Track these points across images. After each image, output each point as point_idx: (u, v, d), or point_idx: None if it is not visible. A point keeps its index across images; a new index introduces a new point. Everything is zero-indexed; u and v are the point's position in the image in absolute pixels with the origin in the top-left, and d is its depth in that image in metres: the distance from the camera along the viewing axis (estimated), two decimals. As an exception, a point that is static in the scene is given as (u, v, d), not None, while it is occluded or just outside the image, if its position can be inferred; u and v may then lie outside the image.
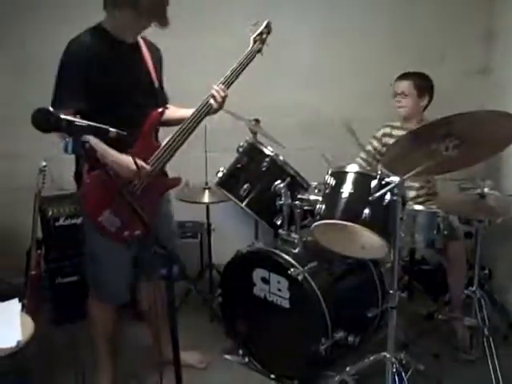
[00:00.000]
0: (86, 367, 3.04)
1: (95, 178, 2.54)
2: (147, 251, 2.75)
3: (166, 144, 2.64)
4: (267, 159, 2.99)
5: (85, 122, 1.65)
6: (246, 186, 2.98)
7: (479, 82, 4.06)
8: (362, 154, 3.63)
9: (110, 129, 1.72)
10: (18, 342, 2.26)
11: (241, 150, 3.10)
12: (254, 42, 2.92)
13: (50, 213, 3.61)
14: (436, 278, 3.68)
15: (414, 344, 3.06)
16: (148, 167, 2.59)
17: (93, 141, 2.42)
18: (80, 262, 3.60)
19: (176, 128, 2.67)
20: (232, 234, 4.02)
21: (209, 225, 3.75)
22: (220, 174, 3.11)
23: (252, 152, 3.06)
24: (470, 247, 3.38)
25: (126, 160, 2.50)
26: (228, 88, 2.74)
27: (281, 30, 3.86)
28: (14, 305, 2.51)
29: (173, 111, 2.84)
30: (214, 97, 2.69)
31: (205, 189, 3.59)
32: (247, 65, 2.83)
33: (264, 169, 2.99)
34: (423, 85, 3.49)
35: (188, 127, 2.66)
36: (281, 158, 3.02)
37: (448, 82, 3.60)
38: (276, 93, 3.98)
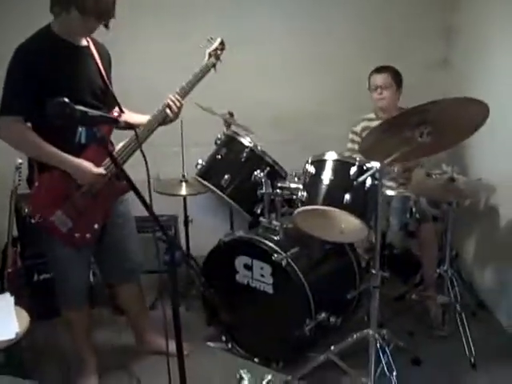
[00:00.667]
0: (68, 360, 3.08)
1: (46, 179, 2.58)
2: (105, 253, 2.85)
3: (120, 149, 2.63)
4: (246, 150, 3.08)
5: (97, 113, 1.70)
6: (226, 177, 3.07)
7: (440, 75, 4.25)
8: (347, 154, 3.69)
9: (120, 119, 1.77)
10: (17, 334, 2.30)
11: (219, 141, 3.18)
12: (209, 56, 3.00)
13: (26, 210, 3.59)
14: (404, 261, 3.85)
15: (390, 323, 3.21)
16: (103, 172, 2.59)
17: (46, 148, 2.45)
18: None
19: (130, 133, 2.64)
20: (206, 225, 4.08)
21: (186, 216, 3.80)
22: (199, 166, 3.19)
23: (231, 143, 3.15)
24: (439, 230, 3.57)
25: (83, 165, 2.52)
26: (183, 98, 2.79)
27: (254, 27, 4.00)
28: (7, 298, 2.54)
29: (128, 116, 2.83)
30: (169, 106, 2.73)
31: (181, 181, 3.64)
32: (202, 77, 2.89)
33: (243, 159, 3.08)
34: (398, 77, 3.63)
35: (142, 134, 2.66)
36: (259, 148, 3.11)
37: (411, 74, 3.74)
38: (249, 88, 4.07)
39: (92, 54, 2.67)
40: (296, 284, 2.85)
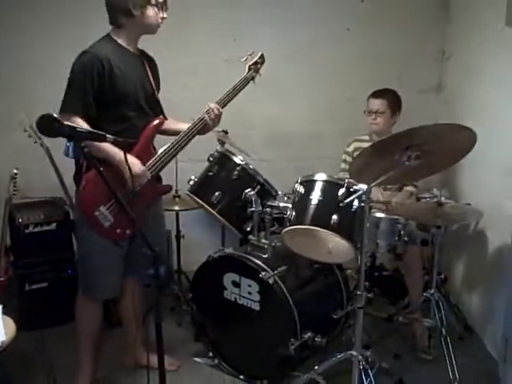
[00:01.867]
0: (56, 372, 3.09)
1: (93, 176, 2.65)
2: (137, 250, 2.90)
3: (161, 152, 2.81)
4: (238, 168, 3.11)
5: (85, 129, 1.76)
6: (217, 194, 3.09)
7: (433, 99, 4.31)
8: (341, 174, 3.72)
9: (108, 135, 1.82)
10: (2, 343, 2.32)
11: (212, 158, 3.21)
12: (249, 69, 3.15)
13: (20, 220, 3.63)
14: (394, 283, 3.87)
15: (376, 344, 3.23)
16: (147, 171, 2.76)
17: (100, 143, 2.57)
18: (49, 269, 3.68)
19: (171, 138, 2.86)
20: (198, 241, 4.12)
21: (178, 231, 3.83)
22: (192, 182, 3.22)
23: (223, 161, 3.18)
24: (427, 254, 3.60)
25: (133, 161, 2.65)
26: (222, 108, 2.95)
27: (250, 46, 4.04)
28: (-5, 307, 2.56)
29: (170, 122, 2.99)
30: (208, 112, 2.89)
31: (175, 197, 3.67)
32: (241, 89, 3.07)
33: (235, 177, 3.11)
34: (396, 103, 3.67)
35: (182, 140, 2.86)
36: (251, 166, 3.14)
37: (404, 98, 3.78)
38: (244, 106, 4.11)
39: (144, 62, 2.87)
40: (282, 302, 2.87)
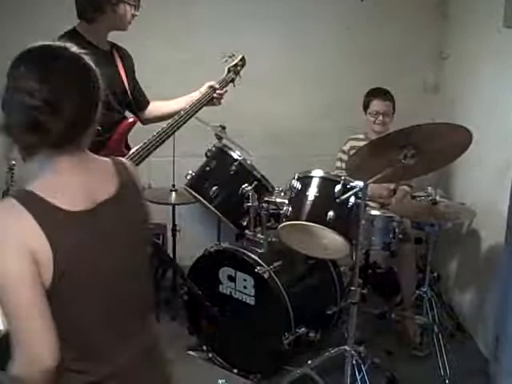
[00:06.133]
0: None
1: None
2: None
3: (136, 150, 2.77)
4: (235, 163, 3.13)
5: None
6: (214, 189, 3.11)
7: (431, 99, 4.33)
8: (336, 172, 3.70)
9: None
10: (0, 332, 2.32)
11: (209, 154, 3.24)
12: (228, 71, 3.14)
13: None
14: (387, 280, 3.90)
15: (369, 341, 3.25)
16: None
17: None
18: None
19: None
20: (194, 235, 4.13)
21: (174, 225, 3.85)
22: (189, 177, 3.25)
23: (221, 156, 3.20)
24: (420, 252, 3.63)
25: None
26: (194, 113, 3.00)
27: (248, 41, 4.06)
28: (-8, 297, 2.56)
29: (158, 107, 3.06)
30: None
31: (171, 191, 3.69)
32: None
33: (232, 172, 3.13)
34: (394, 104, 3.70)
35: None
36: (248, 162, 3.17)
37: (402, 98, 3.81)
38: (242, 102, 4.12)
39: (115, 60, 2.80)
40: (277, 297, 2.90)
